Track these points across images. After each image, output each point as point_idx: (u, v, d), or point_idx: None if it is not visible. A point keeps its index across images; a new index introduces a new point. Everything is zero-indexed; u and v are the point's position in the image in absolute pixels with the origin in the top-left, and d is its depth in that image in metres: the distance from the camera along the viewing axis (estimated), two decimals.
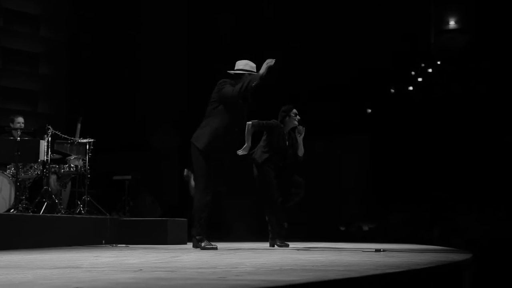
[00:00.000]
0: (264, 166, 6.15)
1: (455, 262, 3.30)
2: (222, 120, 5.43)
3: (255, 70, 5.53)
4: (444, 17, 14.56)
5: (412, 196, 10.64)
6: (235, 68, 5.62)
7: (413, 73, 13.69)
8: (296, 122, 6.28)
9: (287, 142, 6.29)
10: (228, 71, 5.65)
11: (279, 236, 6.19)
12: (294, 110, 6.29)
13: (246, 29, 12.90)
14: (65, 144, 7.91)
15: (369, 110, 12.99)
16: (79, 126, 8.16)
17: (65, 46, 12.36)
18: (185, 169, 7.17)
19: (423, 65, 13.81)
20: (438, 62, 13.89)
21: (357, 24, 12.84)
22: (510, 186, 9.46)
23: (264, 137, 6.29)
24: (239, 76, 5.53)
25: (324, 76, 12.45)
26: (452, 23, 14.59)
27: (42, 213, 7.06)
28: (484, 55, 12.29)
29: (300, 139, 6.31)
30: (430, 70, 13.78)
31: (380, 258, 3.63)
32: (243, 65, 5.59)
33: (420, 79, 13.54)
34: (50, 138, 7.48)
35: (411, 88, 13.31)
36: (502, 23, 12.49)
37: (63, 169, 7.75)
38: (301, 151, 6.31)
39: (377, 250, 4.74)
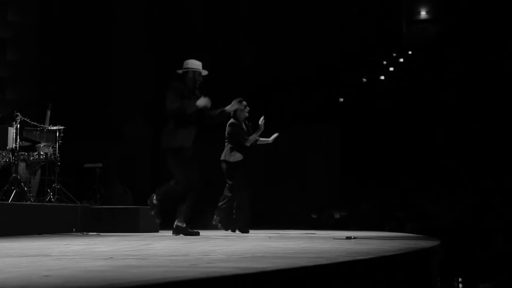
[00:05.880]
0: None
1: (423, 249, 3.36)
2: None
3: (200, 68, 5.91)
4: (415, 7, 14.70)
5: (382, 184, 10.77)
6: (183, 67, 5.95)
7: (384, 62, 13.82)
8: (247, 114, 6.84)
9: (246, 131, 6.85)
10: (177, 71, 5.99)
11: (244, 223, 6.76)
12: (244, 103, 6.79)
13: (218, 19, 12.84)
14: (35, 132, 7.78)
15: (341, 99, 13.08)
16: (48, 113, 8.03)
17: (34, 31, 12.11)
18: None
19: (394, 54, 13.95)
20: (409, 52, 14.05)
21: (328, 12, 12.88)
22: (477, 173, 9.65)
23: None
24: (185, 75, 5.91)
25: (294, 66, 12.48)
26: (423, 14, 14.76)
27: (11, 201, 6.94)
28: (455, 45, 12.46)
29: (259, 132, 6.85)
30: (401, 60, 13.93)
31: (350, 245, 3.68)
32: (189, 64, 5.94)
33: (391, 69, 13.68)
34: (18, 125, 7.35)
35: (382, 77, 13.44)
36: (472, 14, 12.65)
37: (33, 156, 7.63)
38: (249, 142, 6.80)
39: (348, 238, 4.81)
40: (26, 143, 7.81)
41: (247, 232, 6.60)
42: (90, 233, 6.58)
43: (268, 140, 6.91)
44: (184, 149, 5.69)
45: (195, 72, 5.89)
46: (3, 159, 7.27)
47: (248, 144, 6.72)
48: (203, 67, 5.98)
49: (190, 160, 5.72)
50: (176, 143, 5.69)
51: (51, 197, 7.52)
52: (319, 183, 11.78)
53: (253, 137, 6.73)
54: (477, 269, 6.31)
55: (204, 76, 6.00)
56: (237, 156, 6.72)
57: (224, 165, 6.78)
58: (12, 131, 7.24)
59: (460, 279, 6.70)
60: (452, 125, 11.07)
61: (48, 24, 12.19)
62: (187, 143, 5.72)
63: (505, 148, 10.11)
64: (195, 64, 5.94)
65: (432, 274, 3.52)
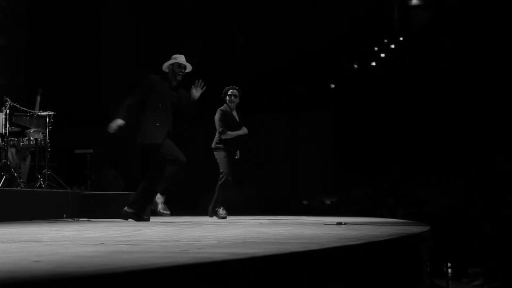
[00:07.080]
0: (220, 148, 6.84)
1: (413, 234, 3.38)
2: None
3: (178, 60, 6.02)
4: None
5: (373, 170, 10.81)
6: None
7: (376, 48, 13.81)
8: (232, 104, 6.91)
9: (237, 119, 6.94)
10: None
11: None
12: (235, 91, 6.91)
13: (210, 4, 12.75)
14: (24, 117, 7.74)
15: (332, 86, 13.08)
16: (38, 98, 7.99)
17: (23, 16, 11.97)
18: None
19: (386, 41, 13.93)
20: (401, 38, 14.04)
21: None
22: (466, 159, 9.70)
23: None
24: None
25: (285, 52, 12.44)
26: (415, 0, 14.72)
27: (1, 187, 6.91)
28: (446, 32, 12.46)
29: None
30: (392, 46, 13.92)
31: (341, 231, 3.69)
32: (171, 58, 6.11)
33: (383, 55, 13.67)
34: (8, 111, 7.30)
35: (373, 63, 13.43)
36: (464, 1, 12.64)
37: (22, 142, 7.59)
38: (226, 136, 6.89)
39: (339, 223, 4.82)
40: (16, 129, 7.77)
41: (211, 216, 6.78)
42: (80, 219, 6.58)
43: (239, 133, 6.88)
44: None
45: (174, 64, 5.98)
46: None
47: (223, 137, 6.73)
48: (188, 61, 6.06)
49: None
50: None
51: (42, 183, 7.49)
52: (310, 169, 11.80)
53: (233, 133, 6.74)
54: (466, 254, 6.38)
55: (191, 68, 6.07)
56: (217, 142, 6.80)
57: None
58: (1, 117, 7.19)
59: (449, 264, 6.77)
60: (442, 111, 11.11)
61: (36, 8, 12.05)
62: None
63: (496, 135, 10.16)
64: (174, 57, 6.04)
65: (422, 259, 3.55)
